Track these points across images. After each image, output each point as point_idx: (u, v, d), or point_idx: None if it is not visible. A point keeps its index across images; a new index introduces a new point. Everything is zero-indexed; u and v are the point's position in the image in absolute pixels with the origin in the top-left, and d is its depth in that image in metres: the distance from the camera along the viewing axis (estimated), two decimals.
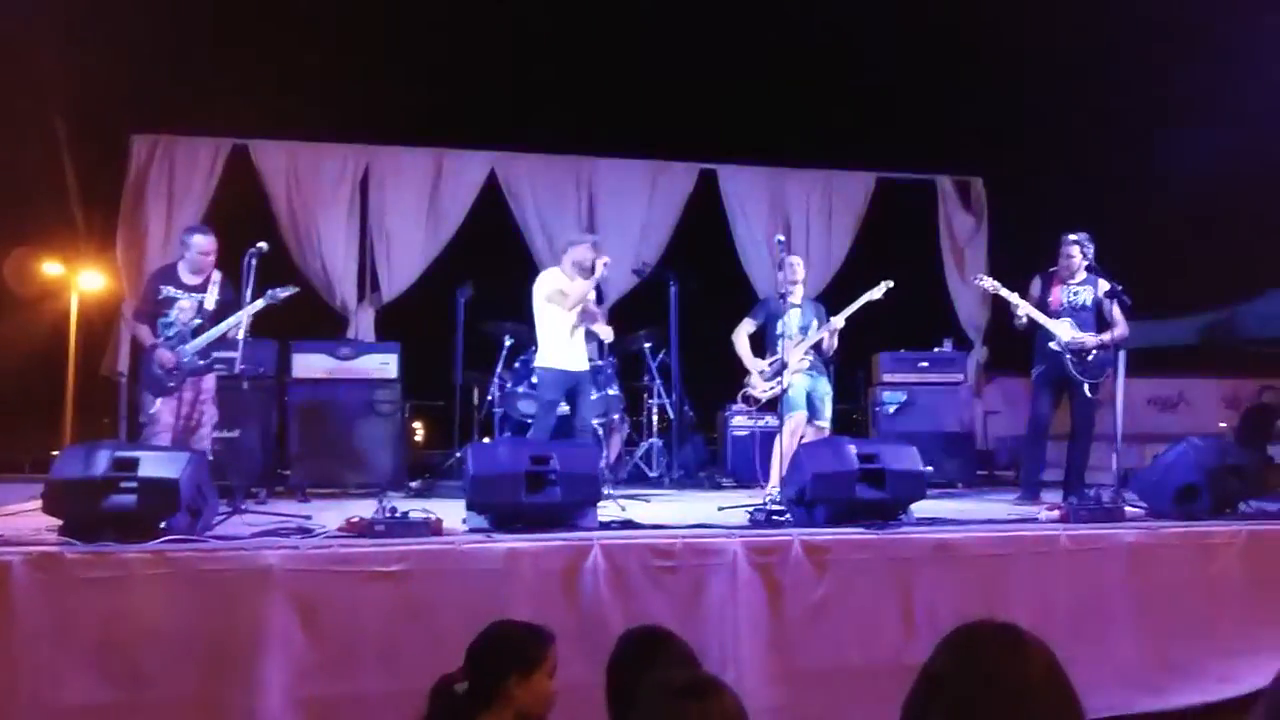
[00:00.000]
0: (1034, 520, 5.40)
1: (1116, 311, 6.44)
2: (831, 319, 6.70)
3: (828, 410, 6.74)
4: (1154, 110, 10.88)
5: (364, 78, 9.30)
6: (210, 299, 6.07)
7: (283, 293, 5.99)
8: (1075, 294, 6.58)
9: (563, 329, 6.52)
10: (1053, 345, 6.47)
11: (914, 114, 10.51)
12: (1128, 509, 5.50)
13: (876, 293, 6.70)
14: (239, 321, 5.76)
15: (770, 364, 6.66)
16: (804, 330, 6.72)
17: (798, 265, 6.88)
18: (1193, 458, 5.57)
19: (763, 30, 10.34)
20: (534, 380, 7.14)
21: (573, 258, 6.58)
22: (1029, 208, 9.96)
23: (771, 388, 6.59)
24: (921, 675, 1.44)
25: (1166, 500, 5.53)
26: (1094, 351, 6.43)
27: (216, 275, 6.14)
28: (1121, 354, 6.26)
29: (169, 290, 6.06)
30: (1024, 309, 6.52)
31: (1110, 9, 10.05)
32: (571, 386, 6.60)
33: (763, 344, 6.81)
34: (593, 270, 6.51)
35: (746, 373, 6.76)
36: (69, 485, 4.29)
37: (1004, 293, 6.59)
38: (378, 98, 9.66)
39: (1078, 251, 6.52)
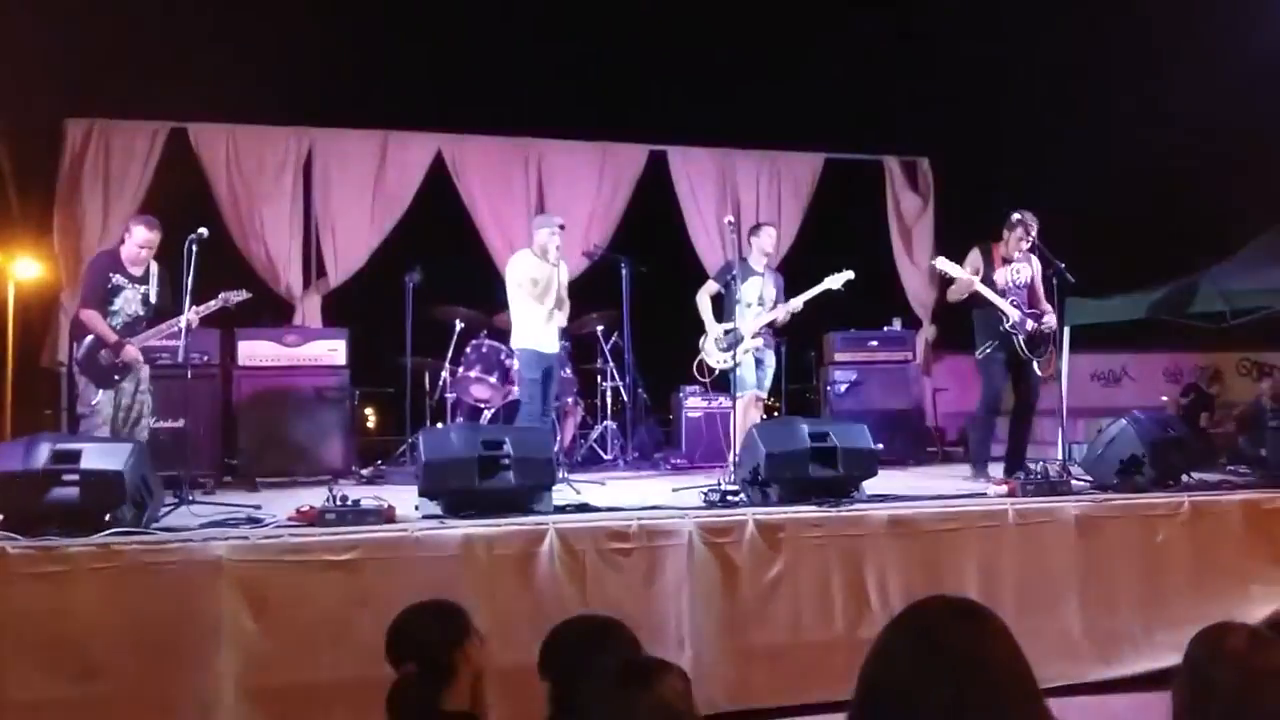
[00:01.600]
0: (983, 495, 5.49)
1: (1044, 289, 6.52)
2: (790, 300, 6.77)
3: (768, 381, 6.91)
4: (1100, 88, 11.03)
5: (306, 58, 9.09)
6: (152, 291, 6.00)
7: (235, 297, 6.08)
8: (1018, 272, 6.56)
9: (538, 311, 6.65)
10: (1005, 326, 6.39)
11: (861, 95, 10.55)
12: (1073, 482, 5.61)
13: (836, 282, 6.76)
14: (185, 318, 5.72)
15: (727, 333, 6.70)
16: (762, 301, 6.79)
17: (771, 236, 7.07)
18: (1135, 431, 5.69)
19: (711, 11, 10.32)
20: (512, 362, 7.29)
21: (539, 240, 6.71)
22: (975, 187, 10.04)
23: (726, 360, 6.62)
24: (875, 650, 1.44)
25: (1111, 473, 5.65)
26: (1041, 330, 6.45)
27: (154, 266, 6.05)
28: (1066, 330, 6.33)
29: (117, 279, 5.94)
30: (979, 290, 6.41)
31: None
32: (546, 368, 6.68)
33: (721, 310, 6.91)
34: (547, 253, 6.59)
35: (699, 352, 6.81)
36: (9, 479, 4.20)
37: (964, 275, 6.47)
38: (321, 78, 9.46)
39: (1024, 230, 6.49)
